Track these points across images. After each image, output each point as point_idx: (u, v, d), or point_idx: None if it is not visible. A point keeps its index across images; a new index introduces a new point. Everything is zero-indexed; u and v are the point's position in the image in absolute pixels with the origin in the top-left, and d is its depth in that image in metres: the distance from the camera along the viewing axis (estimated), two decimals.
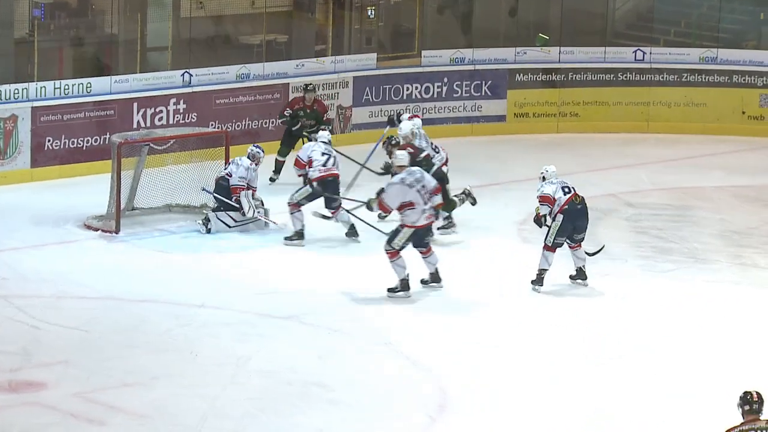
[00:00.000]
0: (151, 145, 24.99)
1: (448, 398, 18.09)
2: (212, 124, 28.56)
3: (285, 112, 27.57)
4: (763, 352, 19.84)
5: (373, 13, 32.64)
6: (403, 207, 21.06)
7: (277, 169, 27.60)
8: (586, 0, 33.61)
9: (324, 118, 27.47)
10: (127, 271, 22.60)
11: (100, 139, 27.31)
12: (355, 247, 24.21)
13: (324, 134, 25.05)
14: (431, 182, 21.24)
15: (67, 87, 27.77)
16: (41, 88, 27.57)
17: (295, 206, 23.96)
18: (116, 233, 24.16)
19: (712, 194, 28.44)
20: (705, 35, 33.76)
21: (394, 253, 21.20)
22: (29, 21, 29.71)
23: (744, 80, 31.75)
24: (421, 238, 21.30)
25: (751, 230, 25.94)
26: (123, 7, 30.41)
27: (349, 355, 19.68)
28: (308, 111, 27.32)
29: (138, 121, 28.38)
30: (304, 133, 27.08)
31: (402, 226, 21.11)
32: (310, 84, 27.99)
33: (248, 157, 24.51)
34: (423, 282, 21.79)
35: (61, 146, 27.57)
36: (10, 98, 27.33)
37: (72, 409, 16.92)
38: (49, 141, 27.34)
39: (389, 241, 21.27)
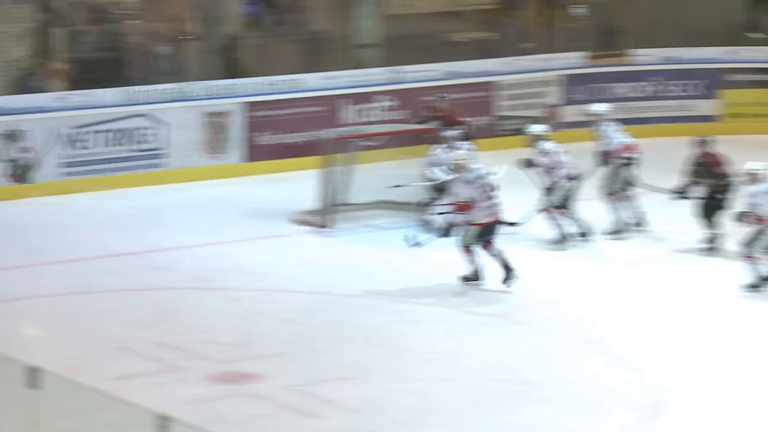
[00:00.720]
0: (361, 141, 25.25)
1: (660, 399, 17.73)
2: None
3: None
4: None
5: (581, 11, 32.60)
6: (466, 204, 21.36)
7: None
8: None
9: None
10: (338, 266, 22.70)
11: (311, 134, 27.29)
12: (567, 247, 24.15)
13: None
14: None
15: (278, 83, 28.02)
16: (253, 84, 27.93)
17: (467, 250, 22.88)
18: (327, 228, 24.30)
19: None
20: None
21: (467, 250, 21.45)
22: (239, 18, 30.17)
23: None
24: (486, 235, 21.53)
25: None
26: (333, 4, 30.70)
27: (559, 353, 19.52)
28: (443, 121, 26.70)
29: (348, 117, 28.52)
30: None
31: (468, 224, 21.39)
32: (443, 96, 27.67)
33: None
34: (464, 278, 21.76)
35: (273, 142, 27.87)
36: (222, 94, 27.72)
37: (286, 401, 17.23)
38: (261, 136, 27.64)
39: (462, 240, 21.50)
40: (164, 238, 24.09)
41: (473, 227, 21.32)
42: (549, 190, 24.04)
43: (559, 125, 29.21)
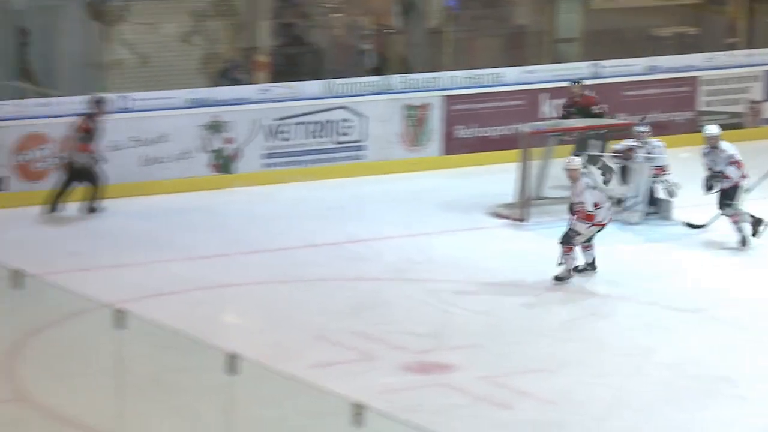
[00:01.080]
0: (559, 135, 25.37)
1: None
2: (620, 116, 28.12)
3: (561, 113, 27.66)
4: None
5: None
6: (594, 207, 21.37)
7: None
8: None
9: (595, 110, 26.90)
10: (534, 259, 22.59)
11: (509, 128, 27.24)
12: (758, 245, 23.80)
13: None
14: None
15: (477, 77, 28.14)
16: (453, 77, 28.03)
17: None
18: (524, 221, 24.39)
19: None
20: None
21: (570, 249, 21.43)
22: (441, 11, 30.27)
23: None
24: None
25: None
26: None
27: (753, 351, 19.23)
28: (578, 107, 27.04)
29: (546, 111, 28.44)
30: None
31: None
32: (577, 81, 27.70)
33: None
34: (577, 270, 21.76)
35: (472, 134, 27.94)
36: (423, 87, 27.73)
37: (480, 392, 17.39)
38: (459, 129, 27.75)
39: (570, 240, 21.45)
40: (363, 230, 24.18)
41: (595, 227, 21.56)
42: (730, 194, 23.56)
43: (760, 121, 29.05)
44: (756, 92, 29.51)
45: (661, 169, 24.64)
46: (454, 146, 27.71)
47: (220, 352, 12.72)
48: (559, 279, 21.45)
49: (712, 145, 23.21)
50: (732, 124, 28.30)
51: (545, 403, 17.10)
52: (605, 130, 25.85)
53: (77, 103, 24.52)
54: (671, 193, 24.51)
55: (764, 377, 18.16)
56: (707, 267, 23.04)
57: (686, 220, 24.02)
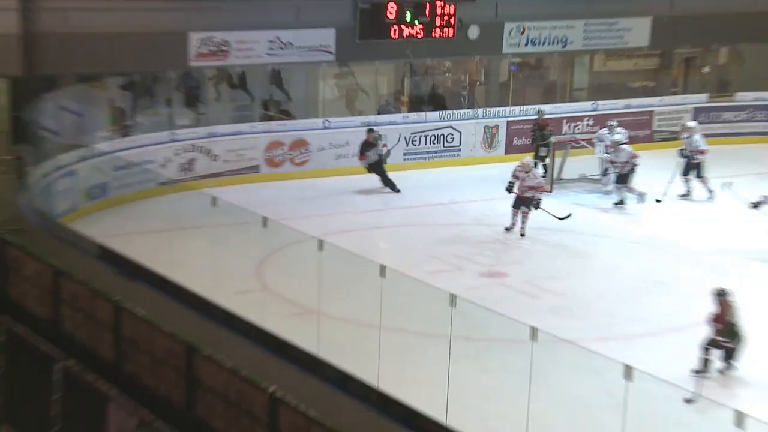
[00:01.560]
0: (569, 144, 25.21)
1: None
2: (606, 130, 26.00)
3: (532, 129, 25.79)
4: None
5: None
6: None
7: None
8: None
9: (546, 130, 25.12)
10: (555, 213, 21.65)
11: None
12: None
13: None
14: None
15: (526, 110, 27.11)
16: (512, 110, 26.98)
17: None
18: (550, 192, 22.87)
19: None
20: None
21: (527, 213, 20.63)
22: (508, 71, 29.75)
23: None
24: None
25: None
26: None
27: (682, 264, 18.88)
28: (537, 126, 25.37)
29: (565, 130, 27.20)
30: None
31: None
32: (540, 111, 25.81)
33: None
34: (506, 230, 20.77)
35: (521, 143, 26.58)
36: (495, 115, 26.75)
37: (521, 288, 17.61)
38: (516, 140, 26.75)
39: (537, 205, 20.64)
40: (459, 196, 23.41)
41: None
42: (701, 166, 22.89)
43: None
44: (687, 119, 27.96)
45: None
46: (512, 150, 26.46)
47: (375, 264, 13.01)
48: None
49: (690, 134, 22.89)
50: (671, 136, 27.90)
51: (558, 296, 17.32)
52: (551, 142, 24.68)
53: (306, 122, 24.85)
54: (641, 199, 22.75)
55: (688, 279, 18.12)
56: (657, 214, 22.27)
57: (660, 197, 22.87)
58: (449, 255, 19.25)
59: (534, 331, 11.20)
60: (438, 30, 25.85)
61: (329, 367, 12.16)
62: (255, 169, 23.85)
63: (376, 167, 23.59)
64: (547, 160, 24.27)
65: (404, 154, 25.56)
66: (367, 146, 23.47)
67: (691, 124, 23.34)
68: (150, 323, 12.19)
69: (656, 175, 23.33)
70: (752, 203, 19.85)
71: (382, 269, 12.92)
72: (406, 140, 25.59)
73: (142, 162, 21.76)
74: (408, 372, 13.32)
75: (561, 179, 24.22)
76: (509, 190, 20.75)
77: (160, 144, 22.52)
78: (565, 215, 21.02)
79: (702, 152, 22.90)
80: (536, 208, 20.56)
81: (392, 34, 25.45)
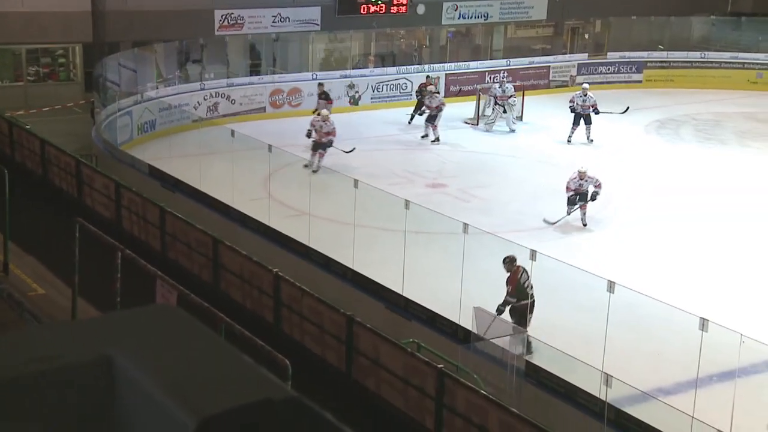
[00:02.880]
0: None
1: None
2: (516, 81, 25.55)
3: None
4: None
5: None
6: None
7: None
8: None
9: (429, 88, 22.46)
10: (479, 139, 21.79)
11: (467, 87, 25.89)
12: None
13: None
14: None
15: (458, 65, 26.99)
16: (450, 65, 26.78)
17: None
18: (477, 125, 22.58)
19: None
20: None
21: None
22: (446, 39, 29.19)
23: None
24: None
25: None
26: None
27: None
28: (422, 88, 22.91)
29: (486, 80, 26.78)
30: None
31: None
32: (428, 75, 23.79)
33: None
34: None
35: (457, 89, 25.95)
36: (432, 68, 26.43)
37: (456, 195, 17.44)
38: (452, 87, 26.52)
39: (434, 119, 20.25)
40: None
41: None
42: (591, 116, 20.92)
43: (574, 83, 28.20)
44: (573, 71, 27.93)
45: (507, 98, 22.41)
46: (449, 94, 24.96)
47: (350, 179, 12.84)
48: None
49: (584, 93, 20.97)
50: (563, 84, 27.68)
51: (482, 200, 17.15)
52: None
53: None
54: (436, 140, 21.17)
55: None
56: (555, 143, 21.85)
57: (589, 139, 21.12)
58: (404, 171, 18.99)
59: (466, 226, 11.05)
60: (395, 8, 25.98)
61: (317, 253, 12.12)
62: (262, 110, 23.39)
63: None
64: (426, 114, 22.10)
65: (371, 98, 25.03)
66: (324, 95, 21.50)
67: (586, 85, 21.82)
68: (186, 222, 12.06)
69: (552, 112, 23.15)
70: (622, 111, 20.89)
71: (356, 182, 12.82)
72: (372, 88, 25.07)
73: (180, 105, 21.40)
74: (374, 257, 13.16)
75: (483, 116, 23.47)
76: (308, 136, 18.34)
77: (193, 92, 22.06)
78: (350, 149, 18.82)
79: (593, 107, 21.12)
80: (325, 149, 18.06)
81: (363, 10, 25.58)
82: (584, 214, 15.68)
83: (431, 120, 21.23)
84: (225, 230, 12.47)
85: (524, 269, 10.92)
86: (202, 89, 22.50)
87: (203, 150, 19.25)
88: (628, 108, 20.56)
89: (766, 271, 13.79)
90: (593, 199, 15.52)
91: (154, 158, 16.80)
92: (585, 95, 20.61)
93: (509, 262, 11.11)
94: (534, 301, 10.92)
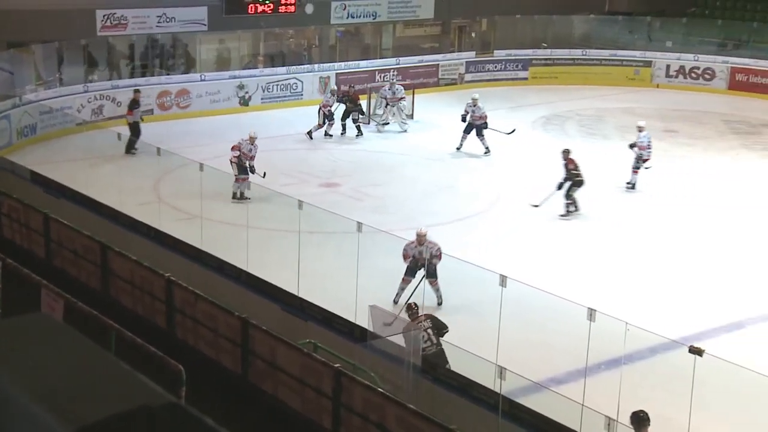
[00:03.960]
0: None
1: None
2: (403, 79, 26.28)
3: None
4: None
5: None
6: None
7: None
8: None
9: (349, 94, 22.21)
10: (368, 136, 21.94)
11: (359, 86, 25.93)
12: None
13: None
14: None
15: (351, 65, 26.96)
16: (340, 65, 26.77)
17: None
18: (368, 124, 22.72)
19: None
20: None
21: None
22: (336, 38, 29.05)
23: None
24: None
25: None
26: None
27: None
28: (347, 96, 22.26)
29: (377, 78, 26.92)
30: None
31: None
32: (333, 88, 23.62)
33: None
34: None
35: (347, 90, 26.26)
36: (324, 69, 26.33)
37: (349, 194, 17.44)
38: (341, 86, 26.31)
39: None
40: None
41: None
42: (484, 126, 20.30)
43: (463, 81, 28.59)
44: (462, 69, 28.45)
45: (398, 100, 22.41)
46: (339, 93, 24.31)
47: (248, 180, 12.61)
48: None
49: (474, 104, 20.37)
50: (452, 82, 28.06)
51: (376, 199, 17.21)
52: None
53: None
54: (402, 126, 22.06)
55: (468, 183, 17.99)
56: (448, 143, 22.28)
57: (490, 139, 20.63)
58: (297, 171, 18.87)
59: (360, 225, 11.06)
60: (284, 7, 25.72)
61: (210, 256, 11.94)
62: (150, 112, 22.82)
63: (135, 126, 19.61)
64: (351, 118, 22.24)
65: (261, 99, 24.80)
66: (133, 104, 19.91)
67: (476, 95, 21.08)
68: (72, 228, 11.70)
69: (442, 110, 23.44)
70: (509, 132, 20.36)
71: (248, 184, 12.64)
72: (262, 88, 24.85)
73: (63, 108, 20.76)
74: (269, 258, 13.06)
75: (374, 115, 23.53)
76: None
77: (76, 94, 21.38)
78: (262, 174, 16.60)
79: (482, 118, 20.51)
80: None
81: (250, 10, 25.23)
82: (436, 290, 12.28)
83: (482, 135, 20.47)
84: (114, 236, 12.15)
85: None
86: (85, 92, 21.87)
87: (89, 154, 18.79)
88: (514, 130, 20.70)
89: (648, 261, 14.29)
90: (430, 273, 12.15)
91: (36, 163, 16.24)
92: (475, 105, 20.38)
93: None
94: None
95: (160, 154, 14.43)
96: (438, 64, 28.20)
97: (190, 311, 9.97)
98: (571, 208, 16.32)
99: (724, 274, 13.93)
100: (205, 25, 24.65)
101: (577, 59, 29.44)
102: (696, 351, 8.15)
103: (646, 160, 17.97)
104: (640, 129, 18.36)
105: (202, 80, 23.99)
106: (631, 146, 18.20)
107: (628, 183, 18.11)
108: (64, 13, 22.34)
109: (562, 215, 16.20)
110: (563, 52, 29.51)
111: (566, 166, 16.47)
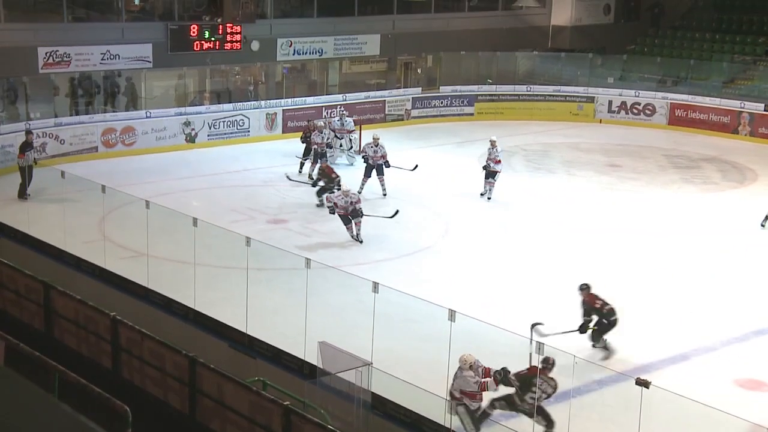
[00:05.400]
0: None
1: None
2: (354, 116, 25.22)
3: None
4: None
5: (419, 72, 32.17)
6: None
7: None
8: None
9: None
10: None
11: (300, 123, 25.74)
12: None
13: None
14: None
15: (300, 101, 27.04)
16: (287, 101, 26.82)
17: None
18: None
19: None
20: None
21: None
22: (283, 75, 29.08)
23: None
24: None
25: None
26: None
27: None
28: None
29: (325, 114, 26.80)
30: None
31: None
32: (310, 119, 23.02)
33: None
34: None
35: (297, 123, 26.19)
36: (275, 102, 26.59)
37: (297, 230, 17.27)
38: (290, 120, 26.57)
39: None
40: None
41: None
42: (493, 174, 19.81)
43: (410, 118, 28.75)
44: (408, 105, 28.53)
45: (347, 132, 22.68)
46: (287, 129, 25.55)
47: (189, 217, 12.53)
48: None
49: (376, 143, 19.91)
50: (399, 118, 28.25)
51: (323, 234, 17.13)
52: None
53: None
54: (350, 161, 22.25)
55: (414, 220, 18.05)
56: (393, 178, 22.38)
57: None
58: (244, 208, 18.79)
59: (308, 261, 11.02)
60: (229, 44, 25.67)
61: (157, 294, 11.80)
62: (94, 149, 22.63)
63: (29, 169, 18.64)
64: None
65: (208, 135, 24.73)
66: (25, 146, 18.83)
67: (376, 134, 20.52)
68: (13, 268, 11.46)
69: (389, 146, 23.23)
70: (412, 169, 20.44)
71: (195, 220, 12.57)
72: (209, 125, 24.78)
73: (3, 146, 20.46)
74: (217, 296, 12.93)
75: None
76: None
77: (18, 132, 20.96)
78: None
79: (384, 157, 19.97)
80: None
81: (195, 47, 25.18)
82: (358, 229, 16.42)
83: (319, 157, 20.69)
84: (57, 275, 11.95)
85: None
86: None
87: (31, 192, 18.53)
88: (417, 166, 20.72)
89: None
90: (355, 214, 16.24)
91: None
92: (377, 145, 19.96)
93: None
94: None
95: (104, 191, 14.24)
96: (385, 100, 28.38)
97: (136, 351, 9.82)
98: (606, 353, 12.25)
99: (669, 305, 14.14)
100: (150, 62, 24.51)
101: (522, 95, 29.86)
102: (643, 383, 8.25)
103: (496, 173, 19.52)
104: (493, 144, 19.66)
105: (147, 117, 23.82)
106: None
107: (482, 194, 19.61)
108: (5, 51, 22.06)
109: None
110: (508, 88, 29.92)
111: (588, 304, 12.33)
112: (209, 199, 19.42)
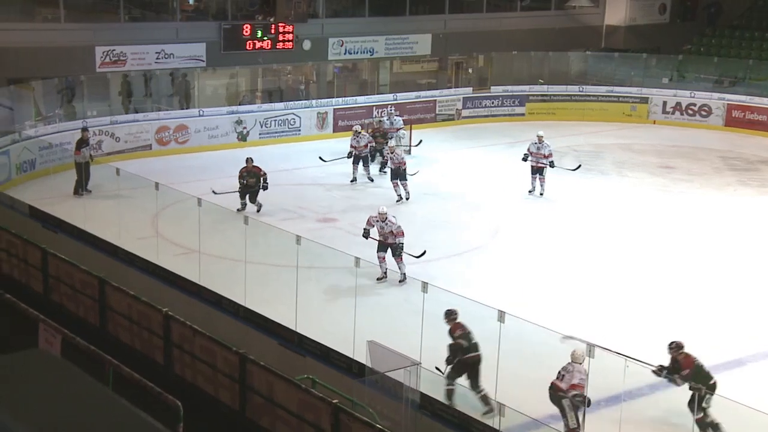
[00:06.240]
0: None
1: None
2: (403, 116, 25.14)
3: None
4: None
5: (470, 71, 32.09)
6: None
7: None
8: None
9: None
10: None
11: (354, 122, 25.85)
12: None
13: None
14: None
15: (349, 101, 27.08)
16: (338, 100, 26.88)
17: None
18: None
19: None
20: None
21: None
22: (334, 74, 29.37)
23: None
24: None
25: None
26: None
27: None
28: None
29: (375, 114, 26.71)
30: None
31: None
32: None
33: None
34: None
35: (346, 124, 25.73)
36: (324, 101, 26.46)
37: (347, 229, 17.36)
38: (342, 121, 26.69)
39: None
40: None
41: None
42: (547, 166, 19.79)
43: (461, 117, 28.71)
44: (459, 105, 28.46)
45: (396, 130, 22.60)
46: (338, 129, 25.54)
47: (240, 215, 12.65)
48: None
49: (540, 140, 19.64)
50: (449, 118, 28.21)
51: (375, 233, 17.10)
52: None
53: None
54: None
55: (459, 219, 18.00)
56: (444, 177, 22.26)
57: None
58: (295, 206, 18.87)
59: (357, 261, 11.04)
60: (281, 43, 25.81)
61: (208, 291, 11.91)
62: (148, 147, 22.96)
63: (86, 166, 18.87)
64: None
65: (259, 134, 24.87)
66: (81, 143, 19.04)
67: (541, 132, 20.32)
68: (70, 263, 11.68)
69: (439, 146, 23.42)
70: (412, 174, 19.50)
71: (246, 219, 12.66)
72: (260, 124, 24.93)
73: (62, 143, 20.76)
74: (267, 293, 13.02)
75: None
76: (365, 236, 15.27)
77: (75, 130, 21.31)
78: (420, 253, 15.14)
79: (548, 156, 19.79)
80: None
81: (248, 46, 25.35)
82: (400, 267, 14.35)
83: (357, 162, 20.67)
84: (112, 271, 12.12)
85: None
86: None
87: (91, 188, 18.85)
88: (579, 166, 20.76)
89: (650, 297, 14.25)
90: (395, 252, 14.31)
91: (35, 198, 16.25)
92: (540, 143, 19.72)
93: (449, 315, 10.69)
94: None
95: (158, 189, 14.43)
96: (435, 100, 28.29)
97: (188, 346, 9.93)
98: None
99: (725, 310, 13.90)
100: (203, 61, 24.82)
101: (574, 95, 29.55)
102: (696, 388, 8.13)
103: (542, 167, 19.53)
104: (540, 139, 19.69)
105: (200, 115, 24.09)
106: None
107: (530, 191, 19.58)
108: (63, 50, 22.53)
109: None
110: (560, 88, 29.62)
111: (679, 362, 10.23)
112: (260, 197, 19.58)
